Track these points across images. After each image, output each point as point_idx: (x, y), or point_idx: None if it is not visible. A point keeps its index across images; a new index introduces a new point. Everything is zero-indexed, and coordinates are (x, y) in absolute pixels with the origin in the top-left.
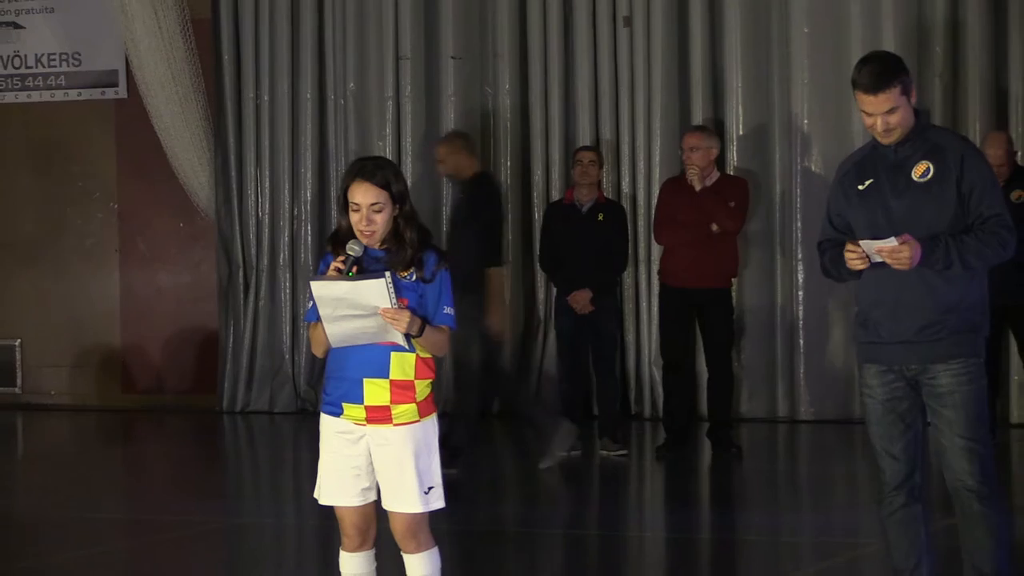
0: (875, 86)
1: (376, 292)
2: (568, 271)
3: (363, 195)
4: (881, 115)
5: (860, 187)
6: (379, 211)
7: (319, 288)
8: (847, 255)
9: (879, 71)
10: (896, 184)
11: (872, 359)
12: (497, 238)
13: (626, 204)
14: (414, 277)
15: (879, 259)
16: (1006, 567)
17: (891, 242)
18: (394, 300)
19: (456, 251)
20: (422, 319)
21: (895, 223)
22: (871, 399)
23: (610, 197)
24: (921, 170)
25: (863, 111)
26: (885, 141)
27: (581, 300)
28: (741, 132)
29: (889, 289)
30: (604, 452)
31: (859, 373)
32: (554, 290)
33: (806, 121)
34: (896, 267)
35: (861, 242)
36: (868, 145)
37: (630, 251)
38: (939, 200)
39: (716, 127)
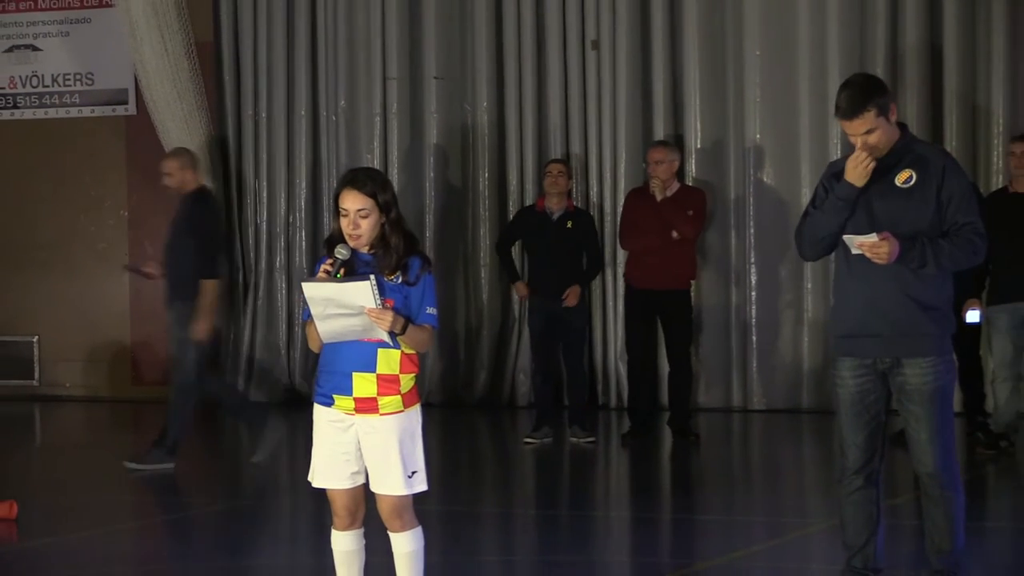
0: (850, 112)
1: (361, 293)
2: (540, 275)
3: (351, 202)
4: (860, 136)
5: None
6: (365, 217)
7: (310, 289)
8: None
9: (855, 97)
10: (880, 188)
11: (846, 352)
12: (214, 251)
13: (593, 212)
14: (399, 280)
15: (858, 251)
16: (961, 544)
17: (872, 237)
18: (378, 301)
19: (174, 261)
20: (405, 318)
21: (876, 223)
22: (842, 390)
23: (579, 206)
24: (904, 177)
25: (846, 132)
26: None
27: (521, 289)
28: (699, 146)
29: (865, 286)
30: (574, 439)
31: (832, 366)
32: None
33: (758, 136)
34: (875, 261)
35: (844, 236)
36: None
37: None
38: (919, 205)
39: (676, 141)
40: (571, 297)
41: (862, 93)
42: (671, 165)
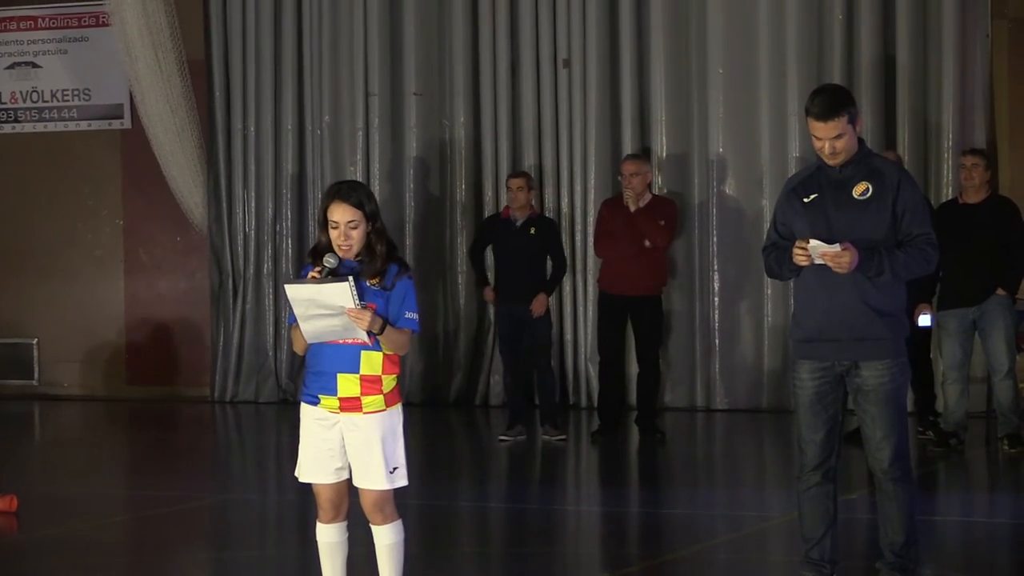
0: (825, 115)
1: (340, 294)
2: (506, 279)
3: (341, 214)
4: (829, 140)
5: (806, 200)
6: (355, 227)
7: (292, 291)
8: (795, 250)
9: (830, 101)
10: (838, 199)
11: (806, 355)
12: None
13: (565, 222)
14: (378, 285)
15: (820, 262)
16: (913, 536)
17: (835, 248)
18: (357, 301)
19: None
20: (384, 320)
21: (835, 233)
22: (802, 391)
23: (548, 215)
24: (861, 189)
25: (814, 135)
26: (831, 163)
27: (489, 295)
28: (665, 159)
29: (824, 293)
30: (546, 437)
31: (792, 368)
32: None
33: (721, 150)
34: (836, 270)
35: (810, 243)
36: (814, 165)
37: (569, 261)
38: (875, 216)
39: (644, 155)
40: (537, 306)
41: (837, 99)
42: (644, 177)
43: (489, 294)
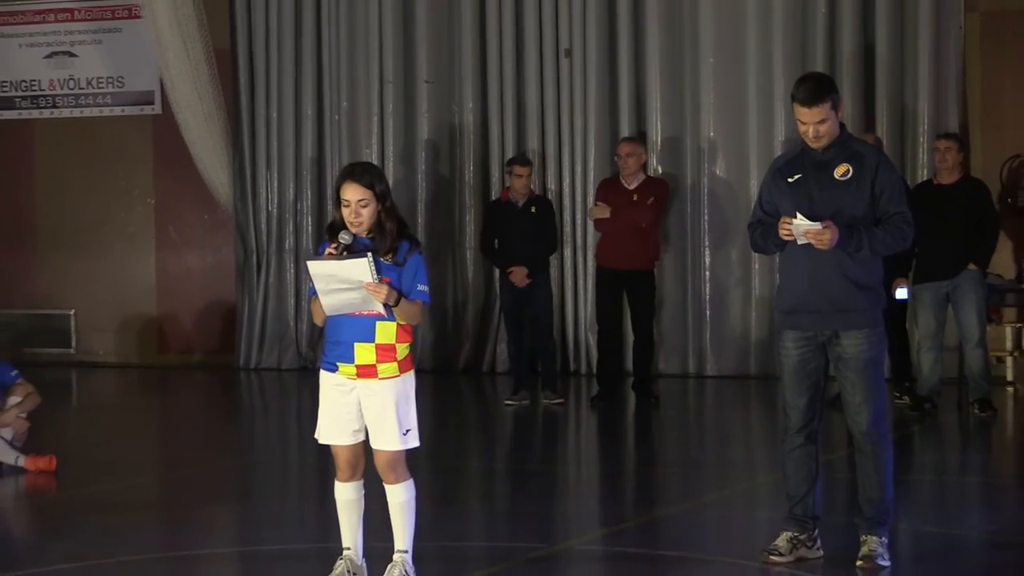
0: (810, 101)
1: (359, 269)
2: (510, 255)
3: (352, 193)
4: (813, 124)
5: (790, 180)
6: (365, 206)
7: (314, 267)
8: (781, 226)
9: (814, 89)
10: (820, 180)
11: (791, 326)
12: None
13: (566, 200)
14: (392, 260)
15: (804, 240)
16: (890, 494)
17: (817, 225)
18: (375, 276)
19: None
20: (398, 293)
21: (817, 211)
22: (787, 359)
23: (551, 194)
24: (842, 171)
25: (799, 120)
26: (815, 146)
27: (519, 276)
28: (659, 143)
29: (808, 267)
30: (546, 401)
31: (777, 338)
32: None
33: (712, 134)
34: (818, 246)
35: (795, 220)
36: (798, 147)
37: (569, 238)
38: (855, 196)
39: (639, 137)
40: (515, 276)
41: (821, 86)
42: (639, 158)
43: (520, 276)
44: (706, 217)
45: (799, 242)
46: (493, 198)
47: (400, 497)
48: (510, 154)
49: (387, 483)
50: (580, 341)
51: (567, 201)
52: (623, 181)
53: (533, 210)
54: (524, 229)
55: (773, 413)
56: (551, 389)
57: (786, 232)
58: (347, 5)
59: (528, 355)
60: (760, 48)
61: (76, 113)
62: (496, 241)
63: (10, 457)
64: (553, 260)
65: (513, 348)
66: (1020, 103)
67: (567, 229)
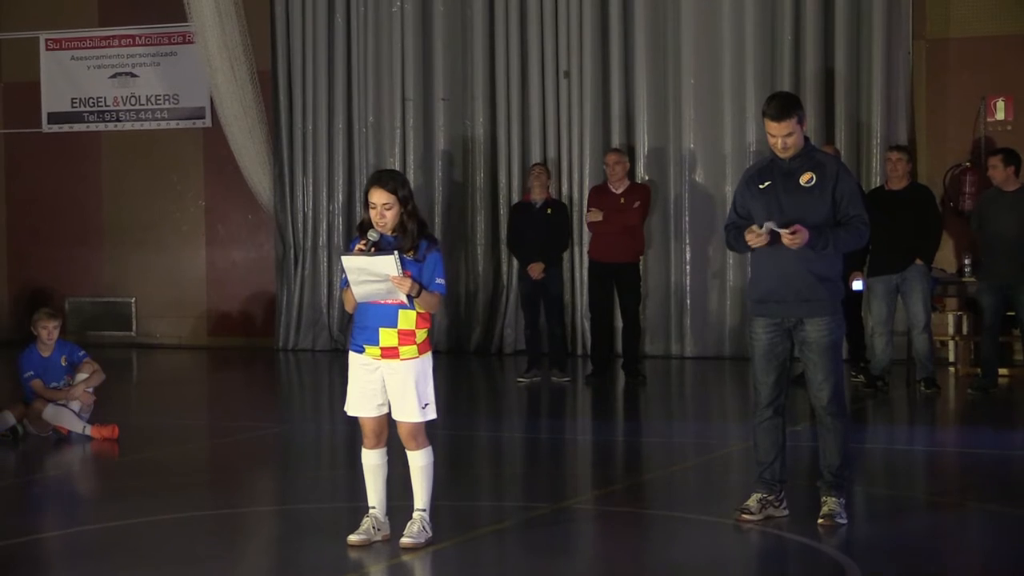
0: (779, 116)
1: (387, 265)
2: (527, 250)
3: (378, 197)
4: (781, 137)
5: (760, 186)
6: (389, 209)
7: (348, 261)
8: (748, 236)
9: (782, 105)
10: (787, 187)
11: (760, 313)
12: None
13: (565, 203)
14: (414, 256)
15: (776, 239)
16: (847, 460)
17: (786, 232)
18: (400, 271)
19: None
20: (419, 285)
21: (785, 214)
22: (757, 343)
23: (555, 198)
24: (807, 178)
25: (769, 133)
26: (782, 156)
27: (535, 270)
28: (646, 152)
29: (775, 262)
30: (554, 379)
31: (749, 324)
32: (514, 264)
33: (692, 145)
34: (790, 247)
35: (767, 223)
36: (767, 158)
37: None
38: (818, 200)
39: (627, 149)
40: (532, 271)
41: (789, 103)
42: (624, 166)
43: (536, 270)
44: (687, 218)
45: (773, 240)
46: (501, 200)
47: (420, 462)
48: (516, 163)
49: (409, 450)
50: (577, 327)
51: (565, 203)
52: (611, 187)
53: (549, 211)
54: (538, 227)
55: (745, 390)
56: (560, 368)
57: (754, 239)
58: (373, 32)
59: (541, 339)
60: (734, 70)
61: (137, 126)
62: (517, 236)
63: (78, 426)
64: None
65: (528, 332)
66: (961, 119)
67: None
